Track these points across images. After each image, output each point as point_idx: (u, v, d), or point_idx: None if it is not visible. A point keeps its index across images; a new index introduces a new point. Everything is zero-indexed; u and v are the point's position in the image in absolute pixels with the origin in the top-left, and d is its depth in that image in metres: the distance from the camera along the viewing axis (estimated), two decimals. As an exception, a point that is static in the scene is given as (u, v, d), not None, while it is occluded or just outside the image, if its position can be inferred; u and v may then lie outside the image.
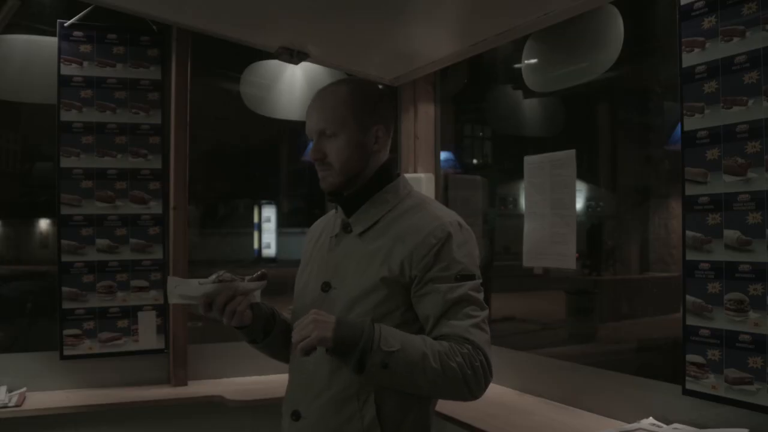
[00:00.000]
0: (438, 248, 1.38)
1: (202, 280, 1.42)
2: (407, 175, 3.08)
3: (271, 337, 1.53)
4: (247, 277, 1.46)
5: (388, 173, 1.50)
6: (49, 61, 2.73)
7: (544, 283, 3.50)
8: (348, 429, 1.40)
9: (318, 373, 1.44)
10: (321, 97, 1.48)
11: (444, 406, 2.35)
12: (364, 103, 1.46)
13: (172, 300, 1.44)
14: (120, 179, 2.79)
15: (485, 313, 1.40)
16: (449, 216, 1.45)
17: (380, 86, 1.56)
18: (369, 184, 1.47)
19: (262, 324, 1.51)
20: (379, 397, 1.39)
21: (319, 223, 1.66)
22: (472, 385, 1.34)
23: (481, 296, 1.41)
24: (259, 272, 1.47)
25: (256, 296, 1.47)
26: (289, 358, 1.57)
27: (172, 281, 1.44)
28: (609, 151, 3.46)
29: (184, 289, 1.43)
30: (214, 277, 1.43)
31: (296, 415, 1.47)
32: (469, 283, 1.38)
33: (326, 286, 1.47)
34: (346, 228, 1.49)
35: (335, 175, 1.45)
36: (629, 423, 2.03)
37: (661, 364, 2.75)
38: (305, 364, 1.45)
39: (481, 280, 1.42)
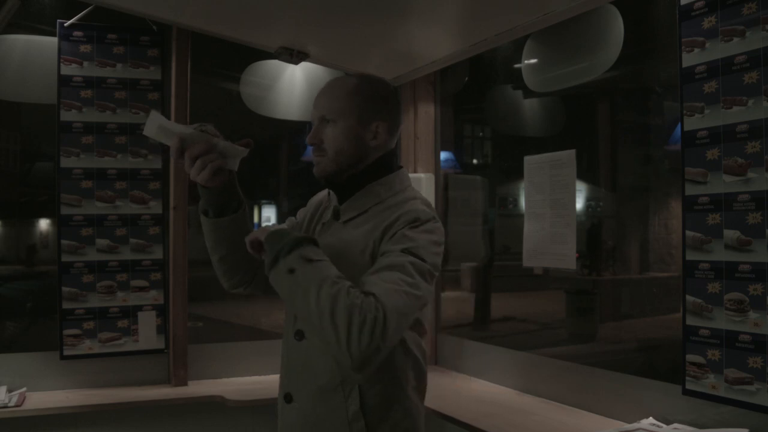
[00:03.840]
0: (401, 227, 1.37)
1: (187, 126, 1.35)
2: (407, 175, 3.09)
3: (224, 219, 1.46)
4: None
5: (386, 166, 1.51)
6: (49, 61, 2.73)
7: (544, 283, 3.51)
8: (334, 418, 1.43)
9: (308, 361, 1.47)
10: (330, 85, 1.52)
11: (444, 406, 2.36)
12: (369, 98, 1.48)
13: (149, 131, 1.33)
14: (120, 179, 2.79)
15: (416, 292, 1.29)
16: (426, 213, 1.41)
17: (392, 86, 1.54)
18: (363, 174, 1.49)
19: (224, 198, 1.44)
20: (363, 389, 1.42)
21: (321, 198, 1.66)
22: (353, 334, 1.18)
23: (422, 281, 1.31)
24: (245, 140, 1.38)
25: (235, 164, 1.37)
26: (284, 336, 1.58)
27: (155, 115, 1.33)
28: (609, 151, 3.46)
29: (164, 123, 1.33)
30: (197, 125, 1.35)
31: (288, 398, 1.52)
32: (412, 258, 1.31)
33: None
34: (336, 215, 1.52)
35: (328, 162, 1.47)
36: (629, 423, 2.03)
37: (661, 364, 2.75)
38: (296, 349, 1.49)
39: (437, 273, 1.38)
